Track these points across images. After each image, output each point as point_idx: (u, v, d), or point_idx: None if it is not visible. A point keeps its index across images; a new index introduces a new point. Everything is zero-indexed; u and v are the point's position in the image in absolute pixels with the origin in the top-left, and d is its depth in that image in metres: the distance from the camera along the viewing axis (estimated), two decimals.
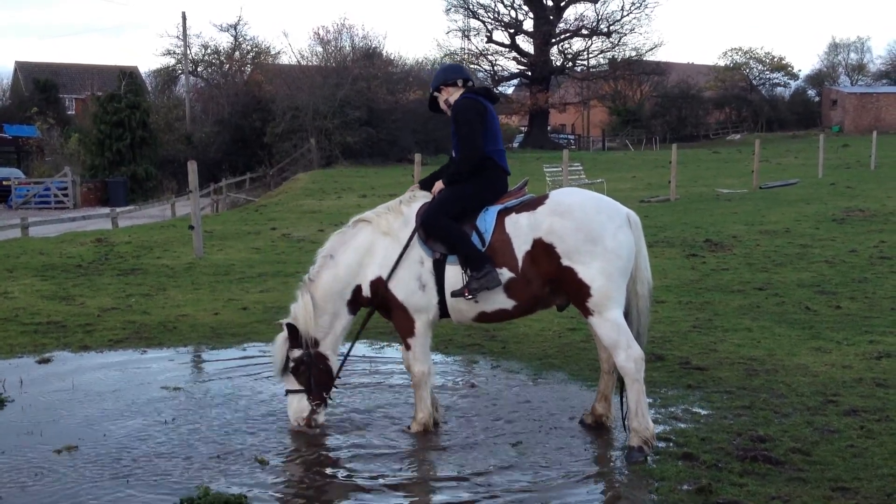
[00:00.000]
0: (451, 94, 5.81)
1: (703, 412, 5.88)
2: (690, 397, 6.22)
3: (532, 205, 5.40)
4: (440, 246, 5.43)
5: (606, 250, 5.14)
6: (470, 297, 5.33)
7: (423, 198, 5.69)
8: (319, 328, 5.63)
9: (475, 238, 5.36)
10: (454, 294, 5.38)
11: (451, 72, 5.92)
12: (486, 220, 5.40)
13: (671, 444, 5.28)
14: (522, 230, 5.30)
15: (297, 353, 5.62)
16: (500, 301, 5.36)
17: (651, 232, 16.06)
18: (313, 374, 5.65)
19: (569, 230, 5.16)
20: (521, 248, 5.28)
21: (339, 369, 5.86)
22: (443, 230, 5.39)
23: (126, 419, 5.99)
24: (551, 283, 5.27)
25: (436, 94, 5.92)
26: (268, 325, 8.92)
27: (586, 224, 5.17)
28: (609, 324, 5.15)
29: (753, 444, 5.18)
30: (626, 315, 5.30)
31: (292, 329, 5.60)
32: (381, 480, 4.95)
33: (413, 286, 5.46)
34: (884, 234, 14.41)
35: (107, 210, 26.31)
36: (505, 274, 5.29)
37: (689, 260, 12.68)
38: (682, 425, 5.63)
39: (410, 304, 5.50)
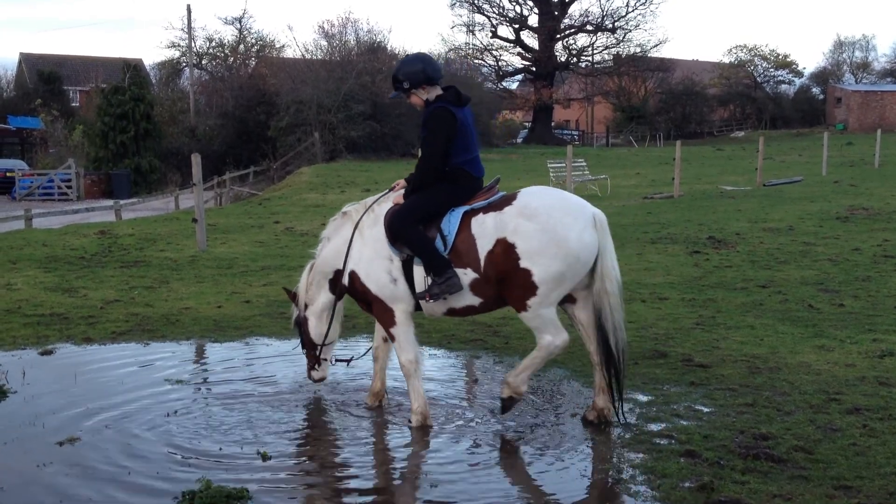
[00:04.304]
0: (430, 93, 5.68)
1: (706, 409, 5.87)
2: (693, 394, 6.21)
3: (500, 205, 5.43)
4: (406, 249, 5.53)
5: (569, 254, 5.20)
6: (430, 300, 5.48)
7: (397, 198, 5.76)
8: (310, 296, 6.20)
9: (439, 241, 5.44)
10: (417, 296, 5.55)
11: (434, 70, 5.71)
12: (451, 222, 5.46)
13: (673, 441, 5.27)
14: (488, 231, 5.35)
15: (295, 312, 6.37)
16: (467, 298, 5.49)
17: (654, 228, 16.05)
18: (301, 333, 6.31)
19: (534, 232, 5.22)
20: (484, 248, 5.35)
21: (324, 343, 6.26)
22: (407, 236, 5.48)
23: (128, 411, 5.99)
24: (500, 280, 5.33)
25: (413, 90, 5.68)
26: (271, 318, 8.93)
27: (552, 226, 5.22)
28: (540, 318, 5.34)
29: (756, 442, 5.17)
30: (599, 313, 5.41)
31: (291, 292, 6.40)
32: (382, 473, 4.95)
33: (384, 279, 5.64)
34: (887, 232, 14.39)
35: (110, 202, 26.31)
36: (469, 274, 5.39)
37: (693, 257, 12.67)
38: (685, 422, 5.62)
39: (385, 296, 5.67)
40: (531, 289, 5.25)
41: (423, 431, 5.59)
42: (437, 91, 5.69)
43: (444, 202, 5.54)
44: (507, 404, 5.63)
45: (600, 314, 5.40)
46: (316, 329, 6.22)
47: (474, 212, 5.47)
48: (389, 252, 5.59)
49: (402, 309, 5.67)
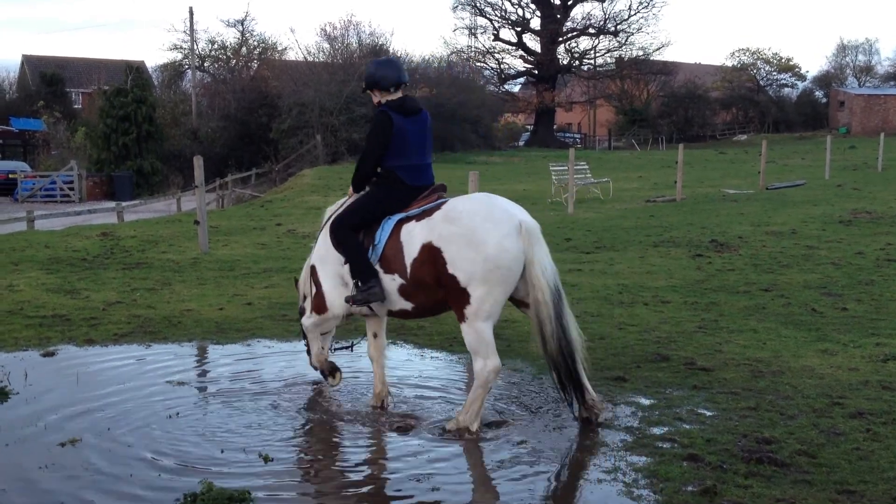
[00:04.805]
0: (384, 97, 5.89)
1: (709, 413, 5.85)
2: (695, 398, 6.19)
3: (431, 211, 5.56)
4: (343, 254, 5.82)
5: (487, 259, 5.21)
6: (353, 305, 5.81)
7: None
8: (308, 288, 6.43)
9: (371, 249, 5.67)
10: (346, 300, 5.86)
11: (385, 77, 5.89)
12: (383, 231, 5.67)
13: (676, 445, 5.25)
14: (415, 237, 5.49)
15: (300, 301, 6.66)
16: (399, 302, 5.67)
17: (657, 232, 16.03)
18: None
19: (455, 236, 5.30)
20: (410, 254, 5.49)
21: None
22: (342, 240, 5.78)
23: (130, 413, 5.99)
24: (441, 286, 5.40)
25: (369, 91, 5.98)
26: (272, 320, 8.92)
27: (471, 231, 5.26)
28: (475, 333, 5.36)
29: (759, 446, 5.15)
30: (538, 321, 5.40)
31: (297, 282, 6.74)
32: (387, 473, 4.94)
33: (336, 281, 5.97)
34: (890, 236, 14.37)
35: (112, 204, 26.32)
36: (397, 280, 5.57)
37: (695, 260, 12.65)
38: (687, 426, 5.60)
39: (330, 298, 6.04)
40: (464, 296, 5.30)
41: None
42: (395, 96, 5.88)
43: (376, 207, 5.75)
44: (450, 435, 5.53)
45: (539, 322, 5.41)
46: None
47: (408, 219, 5.63)
48: (338, 255, 5.87)
49: (335, 314, 6.07)
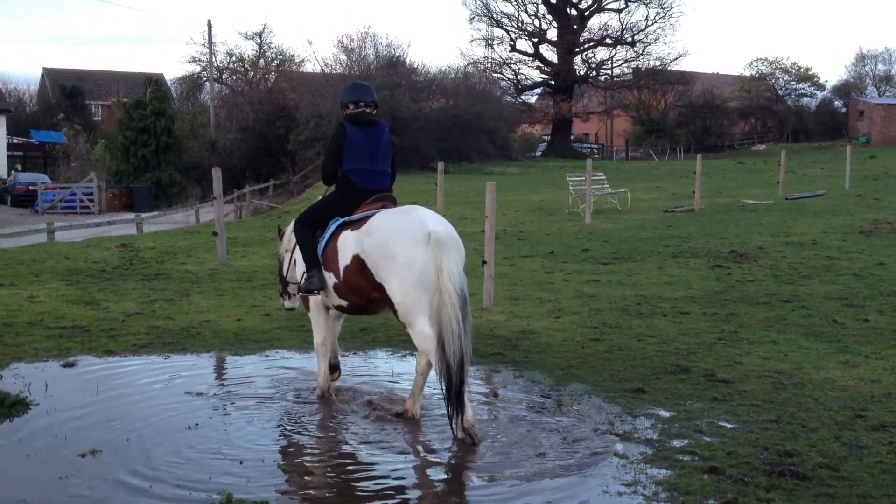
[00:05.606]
0: (346, 112, 6.55)
1: (729, 426, 5.81)
2: (716, 410, 6.14)
3: (362, 222, 6.05)
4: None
5: (401, 267, 5.65)
6: (298, 293, 6.60)
7: None
8: (290, 244, 6.96)
9: (320, 244, 6.29)
10: (298, 290, 6.55)
11: (344, 95, 6.56)
12: (328, 231, 6.27)
13: (696, 458, 5.21)
14: (348, 245, 6.03)
15: (280, 248, 7.31)
16: (335, 299, 6.28)
17: (675, 242, 15.96)
18: (279, 268, 7.35)
19: (373, 247, 5.80)
20: (343, 260, 6.04)
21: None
22: (299, 234, 6.44)
23: (150, 424, 6.01)
24: (376, 290, 5.86)
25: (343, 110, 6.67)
26: (290, 331, 8.94)
27: (384, 242, 5.74)
28: (418, 335, 5.72)
29: (780, 459, 5.11)
30: (440, 324, 5.59)
31: (280, 231, 7.36)
32: (404, 485, 4.93)
33: (301, 271, 6.49)
34: None
35: (132, 215, 26.54)
36: (332, 278, 6.18)
37: (715, 271, 12.58)
38: (708, 439, 5.56)
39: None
40: (392, 303, 5.76)
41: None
42: (354, 111, 6.50)
43: (327, 208, 6.40)
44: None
45: (440, 325, 5.57)
46: (288, 270, 7.11)
47: (347, 224, 6.17)
48: None
49: (314, 299, 6.54)
